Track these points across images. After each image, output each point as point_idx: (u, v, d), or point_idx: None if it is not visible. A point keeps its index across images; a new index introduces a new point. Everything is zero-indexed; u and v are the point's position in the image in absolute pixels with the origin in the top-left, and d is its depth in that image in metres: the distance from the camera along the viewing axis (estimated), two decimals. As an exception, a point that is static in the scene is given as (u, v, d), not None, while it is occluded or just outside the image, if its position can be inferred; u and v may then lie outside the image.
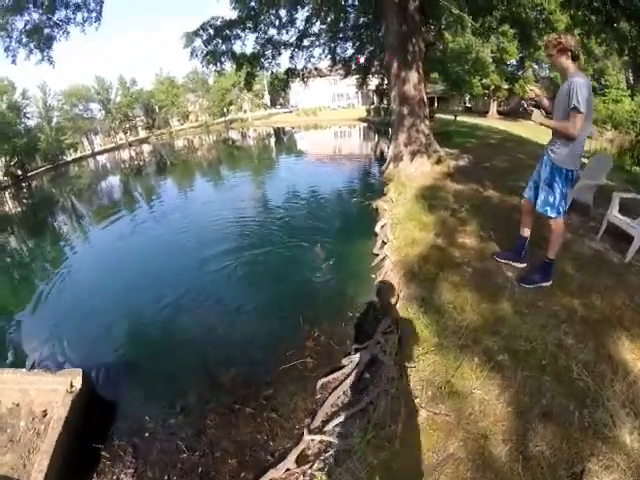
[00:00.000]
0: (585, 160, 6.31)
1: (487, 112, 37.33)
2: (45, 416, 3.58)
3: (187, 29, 15.57)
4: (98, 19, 11.71)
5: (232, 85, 45.13)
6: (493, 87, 33.92)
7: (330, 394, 3.42)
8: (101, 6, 11.55)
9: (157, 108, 55.50)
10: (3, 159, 37.42)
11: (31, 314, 6.41)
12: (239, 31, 15.00)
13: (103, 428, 3.57)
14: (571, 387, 2.53)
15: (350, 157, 19.50)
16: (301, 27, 16.25)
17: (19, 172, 38.39)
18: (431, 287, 4.07)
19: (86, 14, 11.39)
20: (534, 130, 24.26)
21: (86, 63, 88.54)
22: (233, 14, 14.57)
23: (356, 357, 3.66)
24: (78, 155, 48.36)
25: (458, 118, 23.52)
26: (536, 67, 34.37)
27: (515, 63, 34.19)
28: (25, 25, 10.50)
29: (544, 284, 3.74)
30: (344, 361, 3.76)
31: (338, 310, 4.82)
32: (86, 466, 3.21)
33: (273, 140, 38.18)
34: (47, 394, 3.66)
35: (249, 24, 14.95)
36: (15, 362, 4.93)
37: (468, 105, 43.06)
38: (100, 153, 49.68)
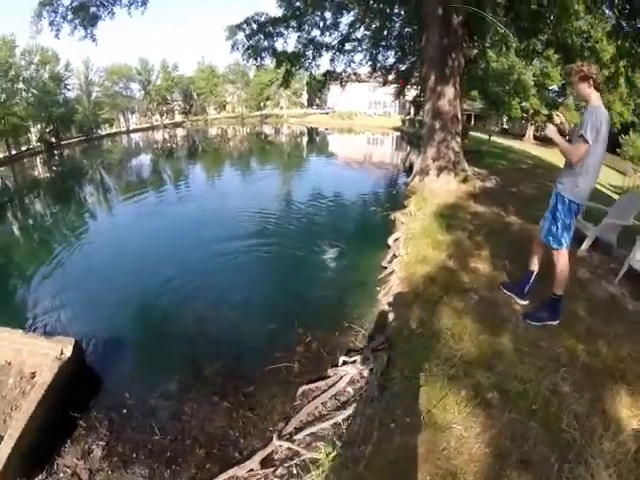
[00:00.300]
0: (615, 196, 6.02)
1: (523, 135, 36.56)
2: (33, 377, 3.69)
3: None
4: (144, 3, 12.04)
5: (269, 81, 45.73)
6: (532, 111, 33.11)
7: (309, 402, 3.36)
8: (147, -11, 11.79)
9: (195, 95, 56.42)
10: (39, 126, 38.72)
11: (42, 277, 6.79)
12: (282, 29, 15.13)
13: (85, 398, 3.66)
14: (557, 437, 2.35)
15: (379, 165, 19.41)
16: (345, 31, 16.25)
17: (53, 140, 39.70)
18: (432, 310, 3.90)
19: (133, -4, 11.66)
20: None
21: (127, 44, 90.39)
22: (277, 12, 14.69)
23: (342, 370, 3.56)
24: (113, 130, 49.64)
25: (493, 138, 23.04)
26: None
27: (557, 89, 33.30)
28: (72, 2, 10.80)
29: (550, 322, 3.53)
30: (330, 371, 3.66)
31: (335, 318, 4.71)
32: (62, 431, 3.30)
33: (305, 139, 38.44)
34: (39, 357, 3.77)
35: (293, 23, 15.06)
36: (16, 318, 5.15)
37: (505, 126, 42.29)
38: (135, 131, 50.79)
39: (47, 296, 5.92)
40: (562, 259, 3.43)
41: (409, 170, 14.55)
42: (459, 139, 10.21)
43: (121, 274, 6.59)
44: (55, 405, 3.39)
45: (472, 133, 25.82)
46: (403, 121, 37.32)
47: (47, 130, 39.22)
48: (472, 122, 40.96)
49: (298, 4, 14.43)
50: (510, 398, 2.72)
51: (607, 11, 10.90)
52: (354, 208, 10.13)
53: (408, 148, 23.05)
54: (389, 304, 4.54)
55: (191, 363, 4.16)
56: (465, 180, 9.69)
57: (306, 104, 60.31)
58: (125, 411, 3.53)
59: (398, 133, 36.20)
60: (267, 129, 47.78)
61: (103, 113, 47.28)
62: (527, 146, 28.06)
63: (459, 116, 10.10)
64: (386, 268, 5.73)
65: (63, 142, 40.90)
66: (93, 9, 11.34)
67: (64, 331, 4.73)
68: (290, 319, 4.74)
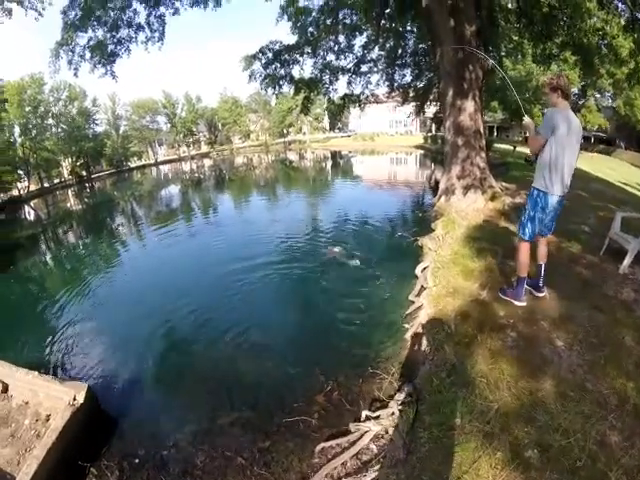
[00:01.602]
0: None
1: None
2: (48, 420, 3.70)
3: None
4: (161, 39, 12.36)
5: (289, 109, 46.66)
6: (554, 117, 32.15)
7: (328, 462, 2.99)
8: (164, 27, 12.15)
9: (220, 125, 58.19)
10: (69, 159, 40.72)
11: (64, 310, 7.07)
12: (297, 56, 15.25)
13: (98, 445, 3.56)
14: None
15: (404, 185, 18.97)
16: (359, 53, 16.30)
17: (84, 173, 41.73)
18: (465, 353, 3.48)
19: (149, 33, 12.02)
20: (597, 164, 22.55)
21: (148, 69, 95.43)
22: (291, 39, 14.86)
23: (364, 426, 3.14)
24: (141, 163, 51.83)
25: (518, 149, 22.20)
26: (598, 96, 32.10)
27: (577, 92, 32.22)
28: (88, 41, 11.17)
29: (514, 301, 4.11)
30: (352, 427, 3.24)
31: (359, 362, 4.29)
32: (72, 478, 3.23)
33: (329, 163, 38.50)
34: (54, 400, 3.78)
35: (308, 49, 15.17)
36: (32, 354, 5.48)
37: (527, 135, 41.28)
38: (163, 163, 52.77)
39: (67, 331, 6.11)
40: (521, 248, 3.96)
41: (435, 188, 14.10)
42: (484, 154, 9.75)
43: (144, 308, 6.60)
44: (66, 452, 3.32)
45: (496, 145, 25.17)
46: (425, 138, 37.03)
47: (78, 164, 41.28)
48: (495, 134, 40.18)
49: (311, 30, 14.53)
50: (552, 455, 2.32)
51: (620, 4, 10.54)
52: (380, 234, 9.56)
53: (432, 165, 22.64)
54: (417, 345, 4.12)
55: (206, 411, 3.93)
56: (493, 197, 9.19)
57: (328, 128, 61.07)
58: (137, 461, 3.38)
59: (421, 151, 35.88)
60: (291, 155, 48.57)
61: (132, 146, 49.52)
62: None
63: (482, 130, 9.67)
64: (414, 302, 5.26)
65: (94, 175, 43.04)
66: (111, 47, 11.66)
67: (81, 371, 4.89)
68: (311, 363, 4.40)
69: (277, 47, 14.73)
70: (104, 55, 11.55)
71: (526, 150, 4.58)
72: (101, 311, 6.90)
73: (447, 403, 2.93)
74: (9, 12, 10.62)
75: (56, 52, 11.28)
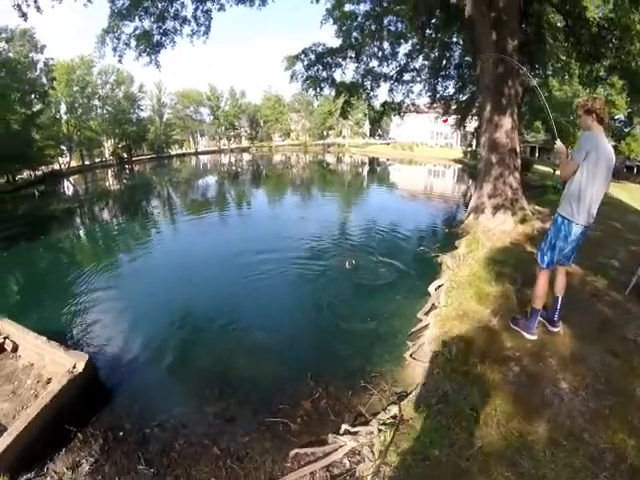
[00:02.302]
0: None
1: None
2: (48, 383, 3.89)
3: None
4: (206, 33, 12.58)
5: (329, 112, 46.71)
6: (597, 142, 30.67)
7: (298, 468, 2.97)
8: (210, 21, 12.36)
9: (262, 122, 58.95)
10: (112, 141, 42.18)
11: (88, 284, 7.41)
12: (340, 59, 15.20)
13: (89, 413, 3.73)
14: None
15: (438, 198, 18.56)
16: (403, 61, 16.08)
17: (124, 155, 43.11)
18: (460, 382, 3.28)
19: (195, 27, 12.26)
20: (636, 195, 21.24)
21: (194, 67, 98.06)
22: (335, 42, 14.82)
23: (341, 440, 3.03)
24: (182, 151, 52.99)
25: (558, 172, 21.27)
26: None
27: (623, 119, 30.53)
28: (134, 30, 11.47)
29: (524, 334, 3.87)
30: (330, 438, 3.16)
31: (352, 374, 4.19)
32: (59, 440, 3.39)
33: (366, 169, 38.37)
34: (56, 365, 4.01)
35: (351, 53, 15.08)
36: (50, 319, 5.93)
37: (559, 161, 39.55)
38: (202, 153, 53.85)
39: (84, 303, 6.49)
40: (540, 277, 3.75)
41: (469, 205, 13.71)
42: (517, 174, 9.38)
43: (161, 291, 6.97)
44: (58, 415, 3.50)
45: (536, 166, 24.23)
46: (465, 153, 36.17)
47: (120, 145, 42.63)
48: (537, 154, 38.77)
49: (355, 35, 14.45)
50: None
51: None
52: (404, 245, 9.39)
53: (470, 181, 22.09)
54: (414, 367, 3.95)
55: (196, 397, 4.06)
56: (523, 220, 8.80)
57: (368, 134, 60.72)
58: (121, 434, 3.51)
59: (459, 165, 35.02)
60: (329, 158, 48.69)
61: (174, 134, 50.70)
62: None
63: (517, 149, 9.31)
64: (421, 320, 5.08)
65: (134, 158, 44.33)
66: (156, 37, 11.93)
67: (88, 342, 5.19)
68: (305, 368, 4.35)
69: (320, 49, 14.77)
70: (149, 45, 11.83)
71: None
72: (120, 288, 7.28)
73: (428, 431, 2.77)
74: None
75: (102, 38, 11.65)
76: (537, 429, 2.68)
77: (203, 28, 12.34)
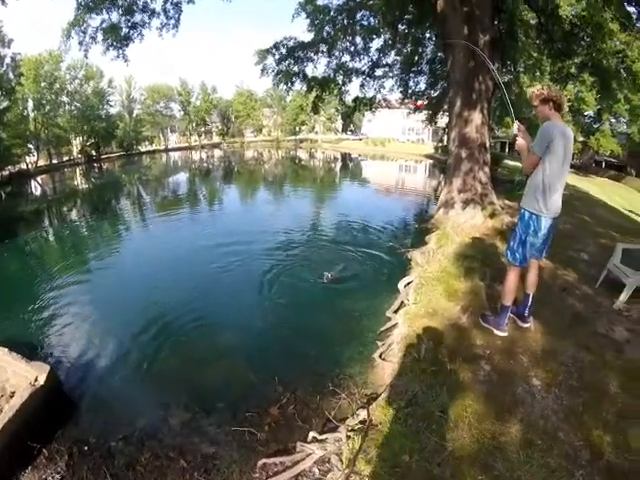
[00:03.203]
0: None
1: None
2: (12, 397, 3.65)
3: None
4: (176, 26, 12.16)
5: (300, 107, 46.59)
6: (567, 138, 31.72)
7: (267, 479, 2.82)
8: (179, 14, 11.96)
9: (233, 117, 58.10)
10: (80, 138, 40.76)
11: (54, 288, 7.08)
12: (312, 54, 15.01)
13: (53, 428, 3.57)
14: None
15: (410, 193, 18.78)
16: (375, 56, 16.02)
17: (93, 153, 41.79)
18: (430, 382, 3.17)
19: (165, 20, 11.82)
20: (604, 189, 22.06)
21: (165, 61, 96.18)
22: (307, 36, 14.62)
23: (309, 448, 2.88)
24: (152, 148, 51.74)
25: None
26: (614, 121, 31.51)
27: (592, 115, 31.70)
28: (101, 23, 11.00)
29: (495, 331, 3.79)
30: (298, 446, 3.01)
31: (321, 377, 4.03)
32: (25, 457, 3.24)
33: (339, 165, 38.35)
34: (19, 378, 3.81)
35: (323, 48, 14.91)
36: (14, 326, 5.68)
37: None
38: (173, 150, 52.78)
39: (49, 310, 6.18)
40: (510, 273, 3.66)
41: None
42: (487, 169, 9.45)
43: (128, 293, 6.83)
44: (21, 431, 3.32)
45: (507, 161, 24.77)
46: (436, 148, 36.63)
47: (88, 143, 41.30)
48: (507, 150, 39.76)
49: (328, 29, 14.27)
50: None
51: None
52: (374, 241, 9.24)
53: (441, 177, 22.37)
54: (382, 368, 3.83)
55: (161, 408, 3.85)
56: (493, 215, 8.88)
57: (340, 130, 60.80)
58: (86, 448, 3.36)
59: (431, 161, 35.53)
60: (301, 153, 48.64)
61: (143, 130, 49.40)
62: (563, 175, 26.54)
63: (487, 144, 9.37)
64: (390, 319, 4.94)
65: (103, 156, 43.08)
66: (125, 30, 11.48)
67: (51, 352, 4.93)
68: (273, 371, 4.19)
69: (292, 43, 14.54)
70: (117, 38, 11.37)
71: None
72: (86, 292, 6.97)
73: (398, 436, 2.65)
74: None
75: (67, 32, 11.12)
76: (510, 429, 2.60)
77: (173, 21, 11.94)
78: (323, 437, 2.96)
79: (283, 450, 3.12)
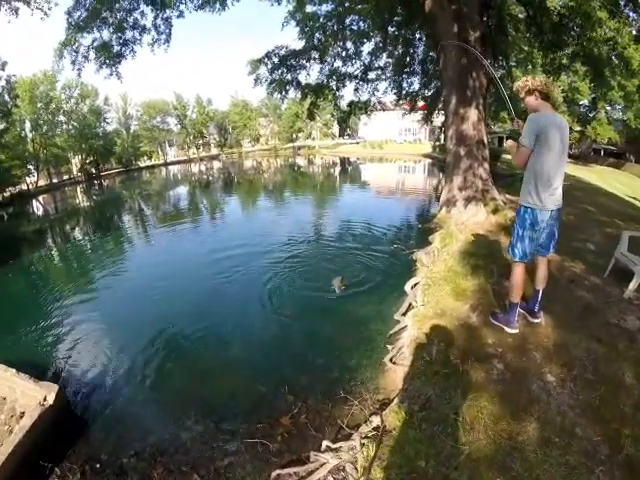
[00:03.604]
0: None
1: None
2: (22, 417, 3.69)
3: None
4: (167, 41, 12.27)
5: (295, 114, 46.86)
6: (563, 129, 31.66)
7: None
8: (170, 29, 12.05)
9: (230, 128, 58.40)
10: (79, 156, 41.11)
11: (62, 306, 7.07)
12: (304, 61, 15.09)
13: (65, 446, 3.55)
14: None
15: (411, 194, 18.68)
16: (367, 60, 16.08)
17: (93, 170, 42.15)
18: (443, 385, 3.12)
19: (156, 35, 11.92)
20: (604, 177, 21.95)
21: (160, 77, 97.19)
22: (298, 44, 14.70)
23: (323, 457, 2.83)
24: (151, 163, 52.17)
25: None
26: (609, 109, 31.40)
27: (587, 104, 31.70)
28: (93, 42, 11.10)
29: (506, 328, 3.73)
30: (312, 456, 2.96)
31: (332, 385, 3.98)
32: (36, 478, 3.22)
33: (338, 169, 38.36)
34: (28, 398, 3.84)
35: (315, 55, 14.98)
36: (22, 346, 5.70)
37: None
38: (172, 164, 53.15)
39: (56, 329, 6.13)
40: (514, 271, 3.58)
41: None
42: (487, 165, 9.41)
43: (136, 310, 6.79)
44: (32, 451, 3.35)
45: (505, 156, 24.70)
46: (434, 147, 36.67)
47: (87, 161, 41.73)
48: (504, 144, 39.74)
49: (318, 36, 14.35)
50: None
51: (631, 14, 10.34)
52: (378, 244, 9.12)
53: (441, 175, 22.34)
54: (395, 371, 3.78)
55: (172, 422, 3.80)
56: (495, 210, 8.82)
57: (337, 135, 60.99)
58: (98, 466, 3.33)
59: (429, 160, 35.53)
60: (300, 160, 48.69)
61: (141, 146, 49.85)
62: (563, 166, 26.48)
63: (485, 140, 9.35)
64: (399, 322, 4.89)
65: (103, 173, 43.51)
66: (116, 48, 11.60)
67: (60, 371, 4.87)
68: (281, 381, 4.14)
69: (283, 52, 14.63)
70: (109, 56, 11.51)
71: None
72: (91, 309, 6.88)
73: (413, 442, 2.59)
74: (16, 11, 10.66)
75: (60, 52, 11.27)
76: (527, 428, 2.54)
77: (164, 36, 12.06)
78: (337, 445, 2.91)
79: (297, 460, 3.07)
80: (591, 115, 31.56)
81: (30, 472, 3.23)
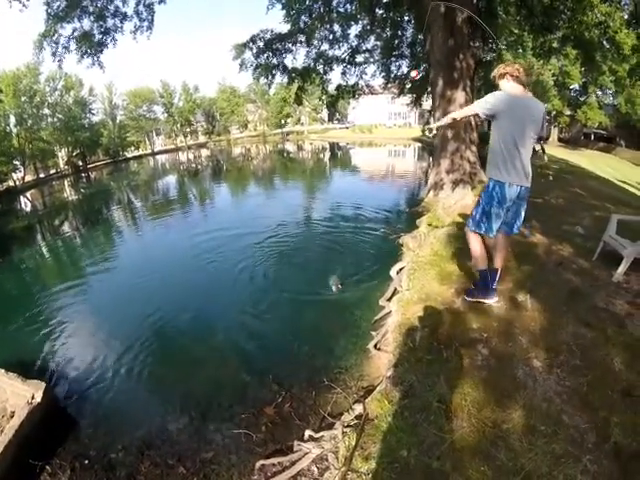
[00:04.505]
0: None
1: (547, 138, 34.97)
2: (12, 417, 3.71)
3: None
4: (150, 28, 12.00)
5: (282, 99, 46.38)
6: (554, 113, 31.54)
7: None
8: (152, 15, 11.76)
9: (218, 115, 57.53)
10: (65, 149, 40.35)
11: (49, 303, 6.97)
12: (290, 45, 14.73)
13: (54, 444, 3.57)
14: None
15: (400, 178, 18.65)
16: (354, 43, 15.74)
17: (80, 163, 41.42)
18: (426, 371, 3.05)
19: (138, 23, 11.64)
20: (595, 161, 22.03)
21: (145, 65, 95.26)
22: (284, 27, 14.33)
23: (306, 447, 2.79)
24: (138, 153, 51.34)
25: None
26: (600, 93, 31.40)
27: (578, 88, 31.64)
28: (73, 32, 10.81)
29: (484, 300, 3.74)
30: (296, 445, 2.91)
31: (316, 373, 3.95)
32: (29, 475, 3.25)
33: (327, 154, 38.17)
34: (18, 398, 3.86)
35: (301, 38, 14.62)
36: (12, 345, 5.60)
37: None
38: (160, 153, 52.42)
39: (47, 326, 6.04)
40: (470, 240, 3.63)
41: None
42: (474, 148, 9.33)
43: (122, 301, 6.77)
44: (22, 450, 3.38)
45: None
46: (423, 131, 36.44)
47: (74, 154, 40.96)
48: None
49: (304, 18, 13.99)
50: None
51: None
52: (365, 229, 9.06)
53: (430, 159, 22.24)
54: (377, 359, 3.72)
55: (159, 415, 3.82)
56: (483, 193, 8.76)
57: (326, 120, 60.40)
58: (87, 462, 3.36)
59: (419, 144, 35.31)
60: (289, 146, 48.44)
61: (128, 136, 49.00)
62: (552, 149, 26.45)
63: (472, 122, 9.24)
64: (384, 307, 4.83)
65: (90, 165, 42.77)
66: (98, 37, 11.30)
67: (49, 368, 4.84)
68: (266, 370, 4.13)
69: (269, 36, 14.21)
70: (91, 46, 11.23)
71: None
72: (82, 305, 6.81)
73: (396, 430, 2.53)
74: None
75: (39, 44, 10.94)
76: (512, 416, 2.48)
77: (146, 23, 11.83)
78: (319, 435, 2.87)
79: (281, 450, 3.07)
80: (582, 99, 31.52)
81: (21, 471, 3.26)
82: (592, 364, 2.89)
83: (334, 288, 5.91)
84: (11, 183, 32.80)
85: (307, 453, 2.77)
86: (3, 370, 4.06)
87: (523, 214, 3.49)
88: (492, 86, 3.82)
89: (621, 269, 4.13)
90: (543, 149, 3.65)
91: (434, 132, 4.01)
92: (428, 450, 2.32)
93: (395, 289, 5.15)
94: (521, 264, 4.79)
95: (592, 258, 4.75)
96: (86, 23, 11.01)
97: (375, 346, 4.00)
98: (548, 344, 3.19)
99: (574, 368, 2.89)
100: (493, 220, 3.38)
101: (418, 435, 2.44)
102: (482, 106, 3.25)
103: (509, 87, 3.24)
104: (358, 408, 2.96)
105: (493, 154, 3.31)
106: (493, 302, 3.70)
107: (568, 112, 31.80)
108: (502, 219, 3.41)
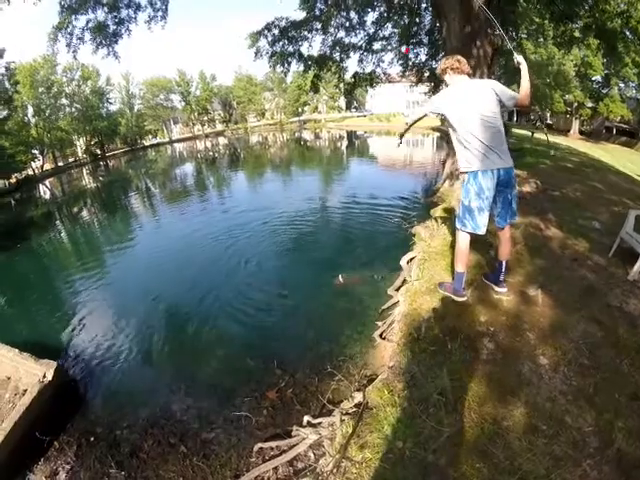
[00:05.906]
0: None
1: (568, 131, 34.12)
2: (24, 394, 3.84)
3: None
4: (164, 17, 11.88)
5: (298, 87, 45.91)
6: (576, 104, 30.54)
7: (262, 463, 2.81)
8: (166, 5, 11.65)
9: (235, 104, 57.57)
10: (83, 138, 41.01)
11: (70, 287, 7.21)
12: (306, 32, 14.51)
13: (63, 421, 3.70)
14: None
15: (417, 168, 18.33)
16: (371, 30, 15.44)
17: (98, 151, 42.08)
18: (429, 363, 3.01)
19: (152, 13, 11.57)
20: (616, 155, 21.30)
21: (163, 54, 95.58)
22: (299, 15, 14.12)
23: (303, 432, 2.82)
24: (156, 141, 51.87)
25: (536, 135, 21.14)
26: (622, 86, 30.00)
27: (600, 80, 30.37)
28: (87, 23, 10.81)
29: (453, 296, 3.73)
30: (294, 430, 2.96)
31: (320, 359, 3.98)
32: (38, 450, 3.38)
33: (345, 143, 37.88)
34: (31, 376, 4.00)
35: (317, 25, 14.39)
36: (28, 327, 5.95)
37: (549, 122, 39.13)
38: (177, 141, 52.85)
39: (63, 309, 6.30)
40: (457, 238, 3.59)
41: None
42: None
43: (140, 288, 6.79)
44: (32, 426, 3.51)
45: (515, 130, 24.02)
46: (442, 120, 35.76)
47: (92, 142, 41.59)
48: (515, 119, 38.68)
49: (320, 5, 13.76)
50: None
51: None
52: (379, 218, 9.03)
53: (448, 149, 21.81)
54: (381, 349, 3.70)
55: (164, 395, 3.92)
56: (499, 184, 8.57)
57: (344, 108, 59.81)
58: (92, 439, 3.47)
59: (438, 133, 34.65)
60: (306, 134, 48.21)
61: (146, 124, 49.50)
62: (573, 142, 25.75)
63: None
64: (392, 297, 4.79)
65: (108, 153, 43.47)
66: (112, 27, 11.28)
67: (63, 349, 5.00)
68: (270, 355, 4.16)
69: (284, 23, 14.01)
70: (105, 36, 11.19)
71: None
72: (96, 289, 6.94)
73: (393, 420, 2.52)
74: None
75: (54, 36, 10.91)
76: (513, 413, 2.43)
77: (160, 13, 11.62)
78: (317, 421, 2.90)
79: (280, 434, 3.10)
80: (604, 92, 30.26)
81: (31, 445, 3.37)
82: (601, 365, 2.79)
83: (337, 283, 5.89)
84: (30, 172, 33.65)
85: (304, 438, 2.80)
86: (17, 350, 4.22)
87: (515, 205, 3.41)
88: (512, 75, 3.74)
89: (637, 267, 3.95)
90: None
91: (399, 141, 4.07)
92: (424, 443, 2.29)
93: (404, 279, 5.10)
94: (534, 258, 4.67)
95: (608, 255, 4.58)
96: (100, 14, 10.96)
97: (381, 335, 4.00)
98: (557, 341, 3.09)
99: (582, 368, 2.80)
100: (476, 215, 3.30)
101: (416, 427, 2.42)
102: (429, 106, 3.41)
103: (452, 80, 3.34)
104: (358, 396, 2.97)
105: (457, 149, 3.33)
106: (459, 299, 3.71)
107: (590, 104, 30.69)
108: (488, 212, 3.31)
